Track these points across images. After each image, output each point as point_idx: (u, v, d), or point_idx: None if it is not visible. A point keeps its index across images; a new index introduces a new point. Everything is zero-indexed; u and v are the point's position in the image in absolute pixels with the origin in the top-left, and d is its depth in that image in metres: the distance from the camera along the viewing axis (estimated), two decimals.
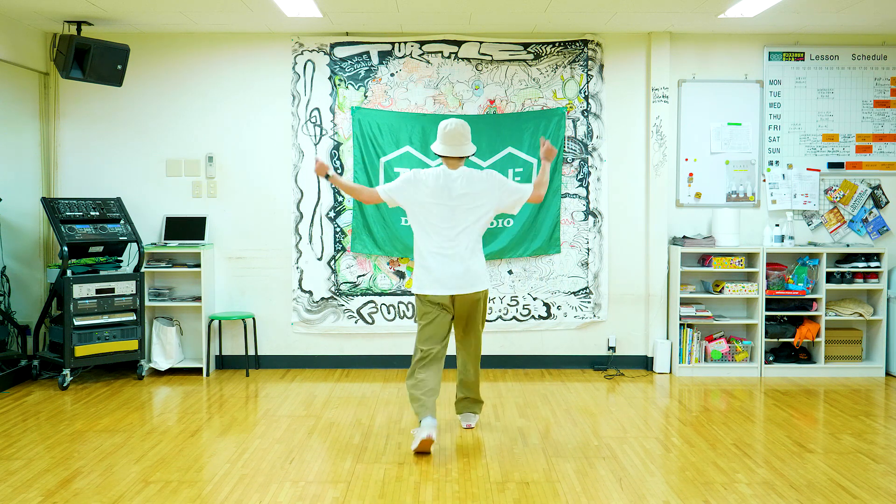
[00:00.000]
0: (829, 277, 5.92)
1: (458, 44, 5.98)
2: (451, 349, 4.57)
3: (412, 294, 4.50)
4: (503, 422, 4.72)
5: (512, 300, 6.08)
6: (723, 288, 5.92)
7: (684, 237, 6.01)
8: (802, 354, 6.00)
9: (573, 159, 6.04)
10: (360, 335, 6.12)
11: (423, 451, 4.09)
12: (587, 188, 6.06)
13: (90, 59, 5.39)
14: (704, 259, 5.95)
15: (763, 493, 3.59)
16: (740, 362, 5.94)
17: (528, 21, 5.60)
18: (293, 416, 4.83)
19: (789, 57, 6.08)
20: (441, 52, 5.98)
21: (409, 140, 5.89)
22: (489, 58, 5.98)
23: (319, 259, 6.06)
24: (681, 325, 5.92)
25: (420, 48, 5.97)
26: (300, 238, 6.05)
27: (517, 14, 5.40)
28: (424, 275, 4.23)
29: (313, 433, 4.49)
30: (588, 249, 6.08)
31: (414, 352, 4.32)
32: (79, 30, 5.53)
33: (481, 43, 5.97)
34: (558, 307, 6.09)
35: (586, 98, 6.03)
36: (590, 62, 6.01)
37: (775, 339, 5.95)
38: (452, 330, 4.40)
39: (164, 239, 5.99)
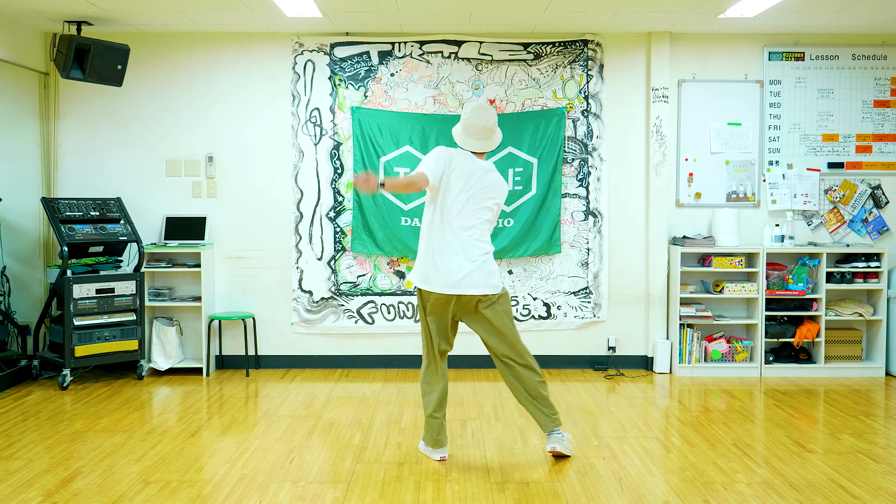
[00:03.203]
0: (829, 277, 5.91)
1: (458, 44, 5.98)
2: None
3: (412, 293, 4.15)
4: (503, 422, 4.72)
5: (512, 300, 6.08)
6: (723, 288, 5.92)
7: (684, 237, 6.01)
8: (802, 354, 6.00)
9: (573, 159, 6.04)
10: (360, 335, 6.12)
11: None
12: (587, 188, 6.06)
13: (90, 59, 5.39)
14: (704, 259, 5.95)
15: (763, 493, 3.59)
16: (740, 362, 5.94)
17: (528, 21, 5.60)
18: (293, 416, 4.83)
19: (789, 57, 6.08)
20: (441, 52, 5.98)
21: (409, 140, 5.89)
22: (489, 58, 5.98)
23: (319, 259, 6.06)
24: (681, 325, 5.92)
25: (420, 48, 5.97)
26: (300, 238, 6.05)
27: (517, 14, 5.40)
28: (433, 270, 3.84)
29: (313, 433, 4.49)
30: (588, 249, 6.08)
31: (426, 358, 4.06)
32: (79, 30, 5.53)
33: (481, 43, 5.97)
34: (558, 307, 6.09)
35: (586, 98, 6.03)
36: (590, 62, 6.01)
37: (775, 339, 5.95)
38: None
39: (164, 239, 5.99)
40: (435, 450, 4.02)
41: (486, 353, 6.01)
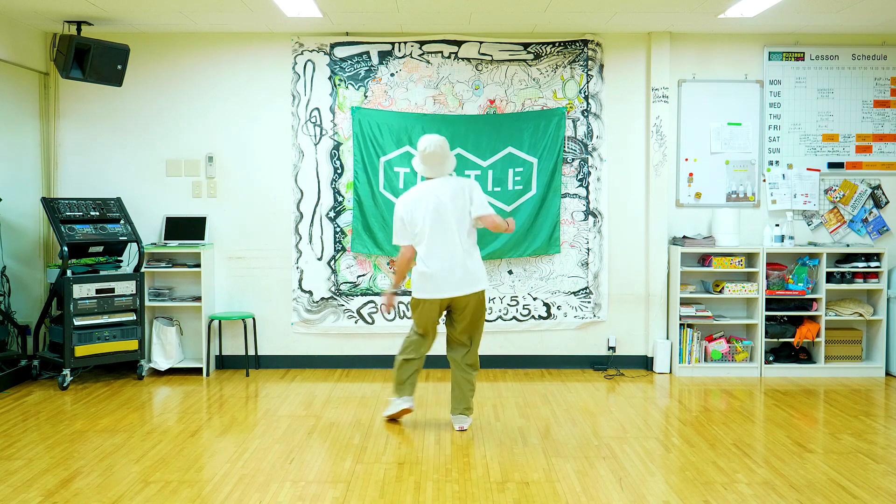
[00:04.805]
0: (829, 277, 5.91)
1: (458, 44, 5.98)
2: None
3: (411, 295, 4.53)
4: (503, 422, 4.72)
5: (512, 300, 6.08)
6: (723, 288, 5.92)
7: (684, 237, 6.01)
8: (802, 354, 6.00)
9: (573, 159, 6.04)
10: (360, 335, 6.12)
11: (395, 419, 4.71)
12: (587, 188, 6.05)
13: (90, 59, 5.39)
14: (704, 259, 5.95)
15: (763, 493, 3.59)
16: (740, 362, 5.94)
17: (528, 21, 5.60)
18: (293, 416, 4.83)
19: (789, 57, 6.08)
20: (441, 52, 5.98)
21: (408, 140, 5.89)
22: (489, 58, 5.98)
23: (319, 259, 6.06)
24: (681, 325, 5.92)
25: (420, 48, 5.97)
26: (300, 238, 6.05)
27: (517, 14, 5.40)
28: (421, 280, 4.44)
29: (313, 433, 4.50)
30: (588, 249, 6.08)
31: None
32: (79, 30, 5.53)
33: (481, 43, 5.97)
34: (558, 307, 6.09)
35: (586, 98, 6.03)
36: (590, 62, 6.01)
37: (775, 339, 5.95)
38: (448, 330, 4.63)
39: (164, 239, 5.99)
40: (398, 399, 4.59)
41: (485, 353, 6.04)
